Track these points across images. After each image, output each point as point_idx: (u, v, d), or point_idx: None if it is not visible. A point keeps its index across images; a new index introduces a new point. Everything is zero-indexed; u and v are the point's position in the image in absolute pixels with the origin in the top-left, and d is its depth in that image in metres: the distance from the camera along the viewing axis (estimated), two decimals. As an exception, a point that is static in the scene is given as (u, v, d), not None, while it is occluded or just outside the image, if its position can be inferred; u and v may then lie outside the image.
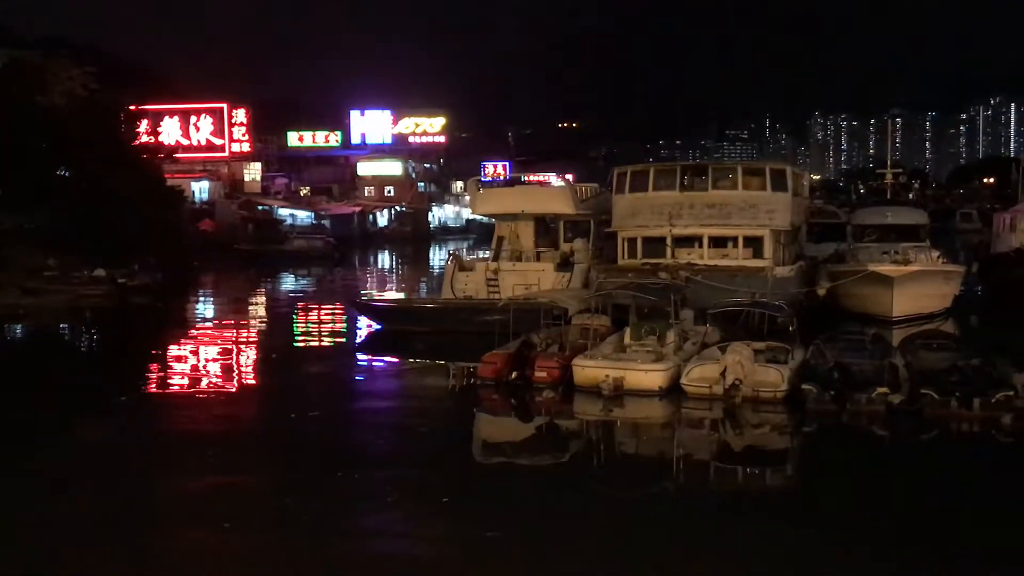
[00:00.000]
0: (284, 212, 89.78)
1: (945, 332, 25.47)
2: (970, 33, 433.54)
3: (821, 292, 26.90)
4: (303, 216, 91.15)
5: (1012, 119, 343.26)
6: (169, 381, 22.49)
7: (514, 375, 19.53)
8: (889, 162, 50.91)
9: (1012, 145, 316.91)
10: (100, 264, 41.24)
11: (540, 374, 19.25)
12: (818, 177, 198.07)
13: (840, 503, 12.67)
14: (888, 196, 43.92)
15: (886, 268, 26.78)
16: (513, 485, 13.82)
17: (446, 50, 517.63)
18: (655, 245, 27.59)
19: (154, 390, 21.36)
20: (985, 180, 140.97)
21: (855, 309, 27.61)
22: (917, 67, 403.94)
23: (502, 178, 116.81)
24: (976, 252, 39.87)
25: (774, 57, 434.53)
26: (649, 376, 18.45)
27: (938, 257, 29.46)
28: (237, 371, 24.32)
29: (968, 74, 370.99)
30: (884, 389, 16.78)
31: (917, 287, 27.04)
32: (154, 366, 24.64)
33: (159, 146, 72.61)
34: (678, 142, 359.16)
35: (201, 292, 47.92)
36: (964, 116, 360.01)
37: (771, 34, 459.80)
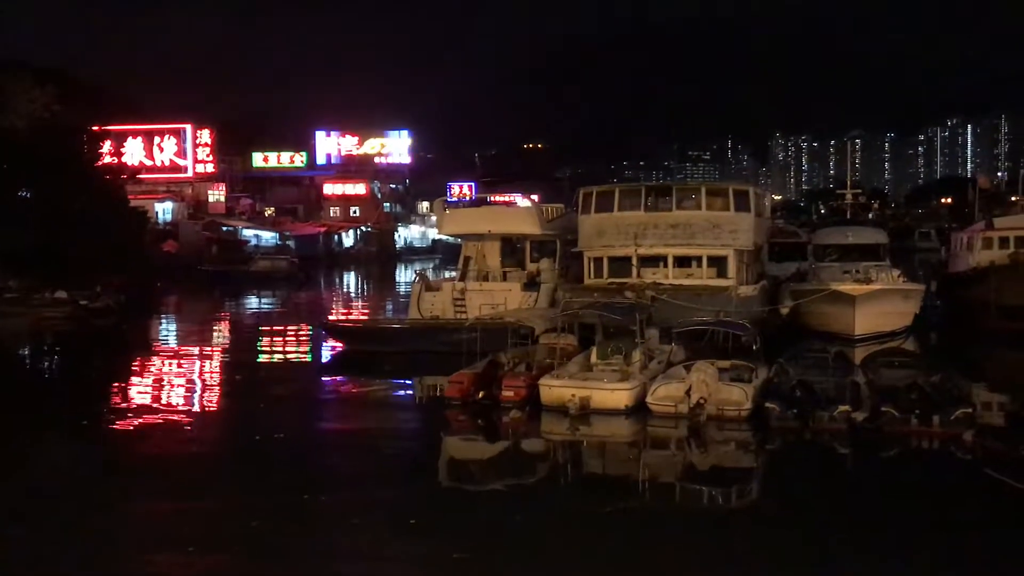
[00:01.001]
0: (248, 233, 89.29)
1: (906, 350, 25.87)
2: (928, 55, 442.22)
3: (784, 311, 27.26)
4: (268, 236, 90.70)
5: (969, 140, 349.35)
6: (132, 405, 22.16)
7: (481, 395, 19.57)
8: (849, 182, 51.86)
9: (969, 165, 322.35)
10: (62, 286, 40.71)
11: (507, 393, 19.28)
12: (779, 197, 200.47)
13: (802, 519, 12.83)
14: (848, 216, 44.86)
15: (848, 287, 27.13)
16: (480, 505, 13.83)
17: (412, 72, 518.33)
18: (621, 265, 27.82)
19: (116, 414, 21.05)
20: (943, 200, 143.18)
21: (818, 327, 27.98)
22: (876, 89, 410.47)
23: (468, 198, 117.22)
24: (935, 271, 40.48)
25: (735, 80, 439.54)
26: (615, 395, 18.58)
27: (898, 276, 29.89)
28: (201, 394, 24.08)
29: (926, 96, 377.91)
30: (846, 407, 17.02)
31: (878, 305, 27.42)
32: (116, 389, 24.33)
33: (122, 167, 72.31)
34: (642, 163, 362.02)
35: (164, 314, 47.43)
36: (922, 137, 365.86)
37: (732, 57, 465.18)
